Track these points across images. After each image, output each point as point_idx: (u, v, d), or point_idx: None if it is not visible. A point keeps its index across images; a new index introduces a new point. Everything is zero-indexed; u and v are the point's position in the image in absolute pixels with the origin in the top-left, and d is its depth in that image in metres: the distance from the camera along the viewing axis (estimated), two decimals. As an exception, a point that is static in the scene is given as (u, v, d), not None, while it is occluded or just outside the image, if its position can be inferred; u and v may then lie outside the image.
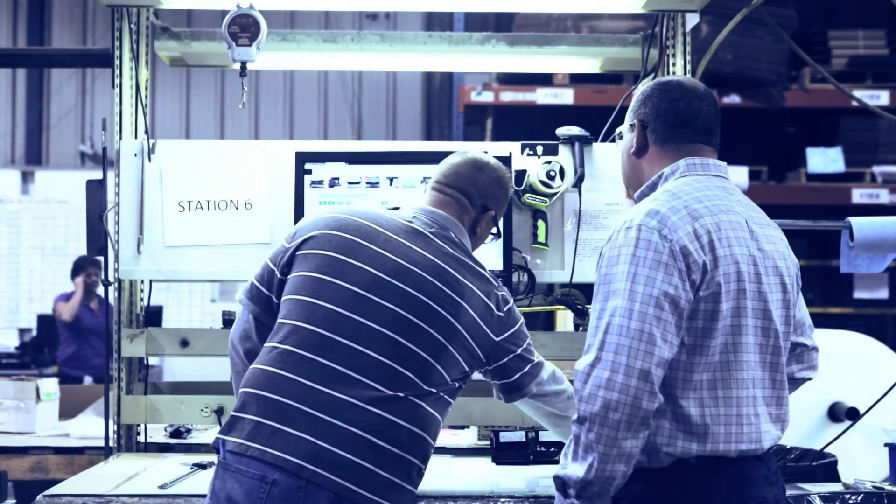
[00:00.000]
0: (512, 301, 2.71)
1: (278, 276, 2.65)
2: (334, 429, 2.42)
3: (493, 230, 2.89)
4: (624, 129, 2.68)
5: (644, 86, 2.68)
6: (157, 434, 3.91)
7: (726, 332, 2.37)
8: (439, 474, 3.24)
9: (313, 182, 3.42)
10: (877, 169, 8.29)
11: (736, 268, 2.38)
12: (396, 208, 2.85)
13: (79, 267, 8.28)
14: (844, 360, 3.96)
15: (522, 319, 2.73)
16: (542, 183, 3.49)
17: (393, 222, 2.67)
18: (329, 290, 2.54)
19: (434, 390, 2.53)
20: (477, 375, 2.78)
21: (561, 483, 2.35)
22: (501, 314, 2.65)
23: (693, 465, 2.38)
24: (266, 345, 2.58)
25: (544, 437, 3.42)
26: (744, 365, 2.40)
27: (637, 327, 2.28)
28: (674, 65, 3.70)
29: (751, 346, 2.41)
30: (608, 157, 3.56)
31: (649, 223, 2.36)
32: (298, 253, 2.62)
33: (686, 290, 2.33)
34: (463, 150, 2.90)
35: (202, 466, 3.24)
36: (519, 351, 2.69)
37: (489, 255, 3.40)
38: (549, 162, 3.52)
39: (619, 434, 2.27)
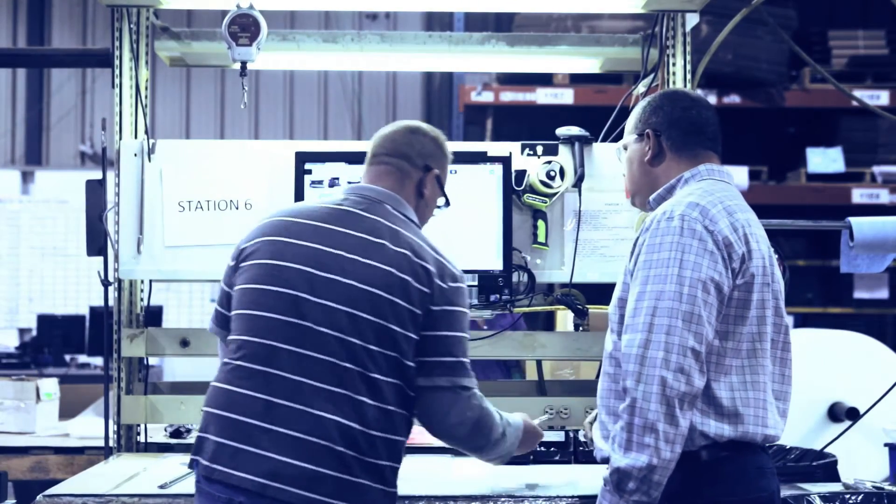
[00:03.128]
0: (463, 286, 2.61)
1: (230, 293, 2.65)
2: (294, 441, 2.41)
3: (442, 200, 2.81)
4: (628, 140, 2.76)
5: (646, 98, 2.78)
6: (157, 434, 3.92)
7: (753, 322, 2.49)
8: (439, 474, 3.25)
9: (313, 182, 3.42)
10: (877, 169, 8.29)
11: (762, 262, 2.52)
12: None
13: None
14: (844, 360, 3.96)
15: (467, 312, 2.62)
16: (542, 183, 3.49)
17: (321, 210, 2.62)
18: (265, 297, 2.53)
19: (394, 380, 2.48)
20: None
21: (619, 477, 2.38)
22: (444, 286, 2.55)
23: (719, 452, 2.44)
24: (222, 361, 2.60)
25: (544, 436, 3.42)
26: (766, 353, 2.52)
27: (687, 309, 2.39)
28: (674, 65, 3.70)
29: (769, 337, 2.53)
30: (608, 157, 3.55)
31: (691, 213, 2.47)
32: (239, 266, 2.62)
33: (728, 277, 2.45)
34: (395, 122, 2.85)
35: (202, 466, 3.24)
36: (447, 333, 2.55)
37: (489, 254, 3.40)
38: (549, 162, 3.52)
39: (676, 411, 2.35)
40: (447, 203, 2.83)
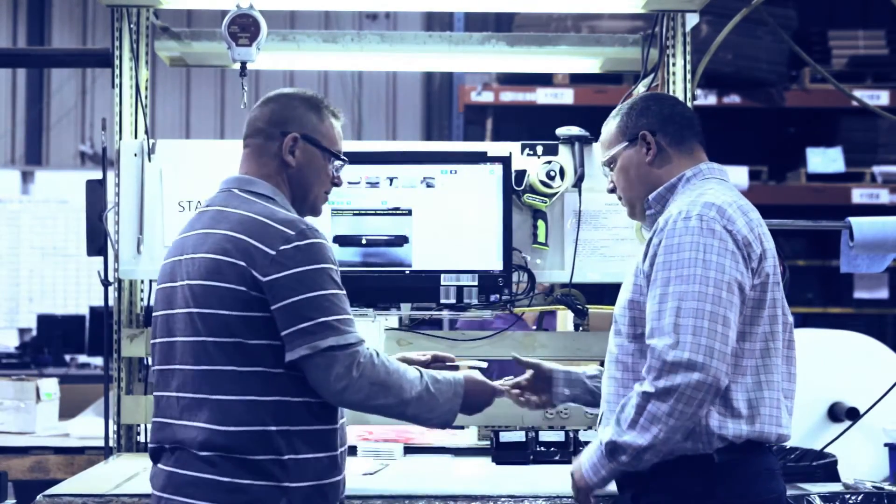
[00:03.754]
0: (307, 243, 2.40)
1: None
2: (174, 452, 2.45)
3: (335, 162, 2.63)
4: (615, 151, 2.71)
5: (621, 107, 2.75)
6: (157, 434, 3.91)
7: (767, 321, 2.49)
8: (439, 474, 3.24)
9: (313, 182, 3.41)
10: (877, 169, 8.29)
11: (773, 261, 2.52)
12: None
13: None
14: (844, 360, 3.96)
15: (323, 268, 2.41)
16: (542, 183, 3.48)
17: (188, 221, 2.61)
18: (153, 324, 2.60)
19: (249, 368, 2.39)
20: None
21: (613, 448, 2.42)
22: (272, 252, 2.38)
23: (731, 454, 2.45)
24: None
25: (544, 436, 3.42)
26: (779, 352, 2.52)
27: (713, 310, 2.37)
28: (674, 65, 3.70)
29: (780, 336, 2.53)
30: (608, 157, 3.55)
31: (709, 213, 2.46)
32: None
33: (749, 278, 2.44)
34: None
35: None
36: (294, 299, 2.36)
37: (489, 254, 3.39)
38: (549, 162, 3.52)
39: (693, 410, 2.36)
40: (341, 160, 2.66)
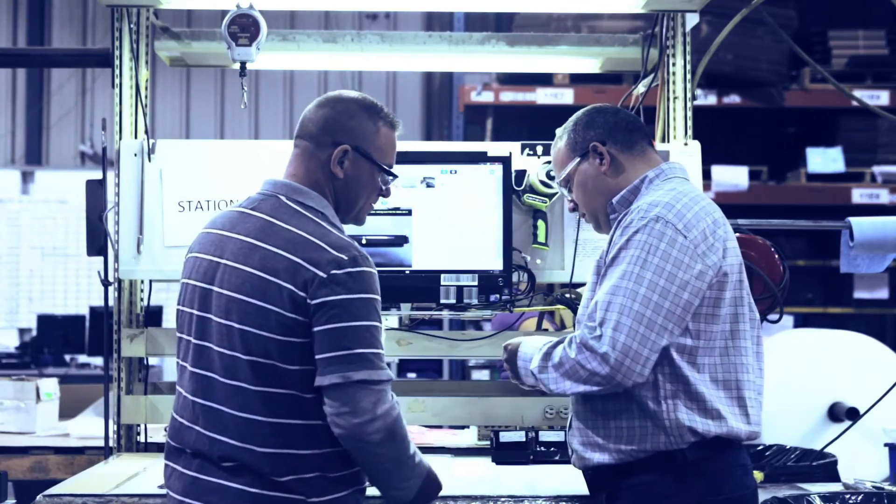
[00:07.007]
0: (357, 270, 2.35)
1: None
2: (196, 458, 2.42)
3: (383, 179, 2.56)
4: (569, 169, 2.73)
5: (564, 126, 2.77)
6: (157, 434, 3.91)
7: (726, 320, 2.50)
8: (439, 474, 3.24)
9: (313, 182, 3.41)
10: (877, 169, 8.29)
11: (738, 259, 2.54)
12: None
13: None
14: (844, 360, 3.96)
15: (367, 297, 2.36)
16: (542, 183, 3.48)
17: (224, 216, 2.54)
18: (180, 318, 2.52)
19: (277, 389, 2.35)
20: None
21: (535, 378, 2.56)
22: (324, 275, 2.33)
23: (704, 451, 2.47)
24: None
25: (544, 436, 3.42)
26: (743, 350, 2.53)
27: (640, 310, 2.41)
28: (674, 65, 3.70)
29: (747, 333, 2.54)
30: (608, 157, 3.55)
31: (666, 215, 2.48)
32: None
33: (700, 278, 2.45)
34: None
35: (202, 466, 3.24)
36: (335, 325, 2.32)
37: (489, 254, 3.39)
38: (549, 162, 3.51)
39: (596, 390, 2.46)
40: (392, 175, 2.58)
